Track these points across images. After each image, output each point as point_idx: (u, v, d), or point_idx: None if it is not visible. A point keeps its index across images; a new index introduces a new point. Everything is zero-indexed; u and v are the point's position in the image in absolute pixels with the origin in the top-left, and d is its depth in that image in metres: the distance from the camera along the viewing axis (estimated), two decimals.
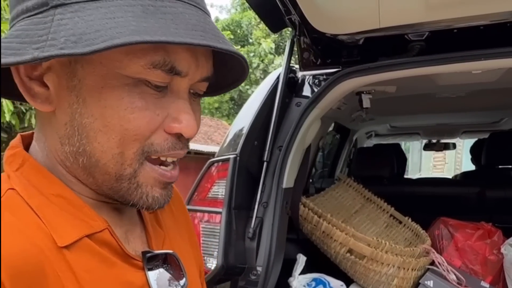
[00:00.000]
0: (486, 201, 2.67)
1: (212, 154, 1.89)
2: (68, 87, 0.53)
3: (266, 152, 1.68)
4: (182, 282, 0.65)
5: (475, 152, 3.84)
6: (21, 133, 0.62)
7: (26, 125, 5.81)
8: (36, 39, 0.48)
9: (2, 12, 5.14)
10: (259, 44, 16.34)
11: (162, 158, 0.58)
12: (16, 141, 0.60)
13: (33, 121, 5.83)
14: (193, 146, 11.20)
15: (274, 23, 1.86)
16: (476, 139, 4.17)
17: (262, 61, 16.07)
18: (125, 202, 0.59)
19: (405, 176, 3.88)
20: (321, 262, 2.01)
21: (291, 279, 1.82)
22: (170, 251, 0.67)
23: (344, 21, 1.70)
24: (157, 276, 0.63)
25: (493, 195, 2.67)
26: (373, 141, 4.69)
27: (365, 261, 1.84)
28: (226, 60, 0.60)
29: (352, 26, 1.73)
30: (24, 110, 5.81)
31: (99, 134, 0.53)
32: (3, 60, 0.47)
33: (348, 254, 1.88)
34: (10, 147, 0.59)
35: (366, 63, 1.70)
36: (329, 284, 1.90)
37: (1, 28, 4.88)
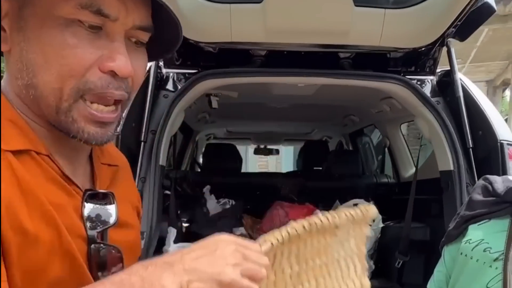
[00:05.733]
0: (307, 189, 3.41)
1: None
2: (17, 29, 0.63)
3: (143, 133, 1.89)
4: (111, 219, 0.70)
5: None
6: None
7: None
8: None
9: None
10: None
11: (108, 98, 0.64)
12: None
13: None
14: None
15: None
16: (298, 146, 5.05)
17: None
18: (67, 133, 0.65)
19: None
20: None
21: (166, 247, 2.06)
22: (108, 191, 0.72)
23: (204, 31, 2.05)
24: (90, 209, 0.68)
25: (312, 185, 3.47)
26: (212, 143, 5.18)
27: None
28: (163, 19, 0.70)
29: (210, 36, 2.08)
30: None
31: (41, 68, 0.62)
32: None
33: None
34: None
35: (220, 68, 2.15)
36: None
37: None
